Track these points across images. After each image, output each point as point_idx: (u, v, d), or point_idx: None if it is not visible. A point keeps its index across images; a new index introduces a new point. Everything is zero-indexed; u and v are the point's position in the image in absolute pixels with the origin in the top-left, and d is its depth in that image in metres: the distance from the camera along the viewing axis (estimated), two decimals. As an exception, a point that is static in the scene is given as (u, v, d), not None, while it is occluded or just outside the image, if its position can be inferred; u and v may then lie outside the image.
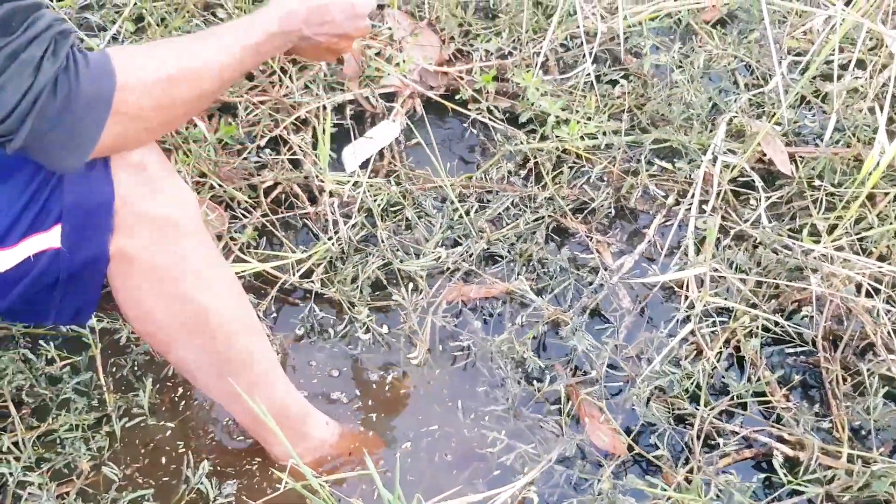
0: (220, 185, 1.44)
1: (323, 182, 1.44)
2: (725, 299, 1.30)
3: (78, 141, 0.84)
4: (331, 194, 1.45)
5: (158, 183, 0.95)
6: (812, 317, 1.29)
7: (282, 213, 1.46)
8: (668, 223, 1.46)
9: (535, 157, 1.52)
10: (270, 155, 1.49)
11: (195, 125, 1.47)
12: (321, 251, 1.39)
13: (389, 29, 1.66)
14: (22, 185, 0.88)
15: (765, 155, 1.50)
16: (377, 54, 1.62)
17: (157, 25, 1.60)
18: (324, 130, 1.42)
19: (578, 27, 1.60)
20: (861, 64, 1.55)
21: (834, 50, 1.44)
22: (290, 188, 1.48)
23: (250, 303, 1.10)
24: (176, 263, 0.99)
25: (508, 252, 1.42)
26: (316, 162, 1.47)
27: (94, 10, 1.65)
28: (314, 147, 1.49)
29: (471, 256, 1.42)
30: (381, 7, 1.71)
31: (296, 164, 1.50)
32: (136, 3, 1.62)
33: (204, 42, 0.96)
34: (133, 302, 1.01)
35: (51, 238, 0.90)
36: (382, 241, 1.41)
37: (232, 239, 1.42)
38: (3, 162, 0.90)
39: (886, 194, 1.40)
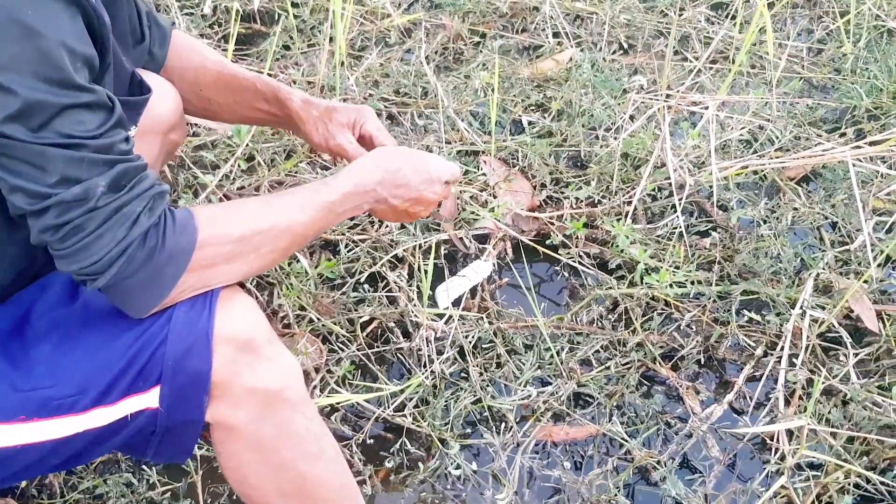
0: (318, 319, 1.60)
1: (418, 317, 1.60)
2: (816, 452, 1.39)
3: (154, 288, 0.98)
4: (425, 329, 1.60)
5: (261, 352, 1.04)
6: (906, 476, 1.37)
7: (377, 347, 1.61)
8: (756, 374, 1.57)
9: (625, 303, 1.66)
10: (368, 291, 1.65)
11: (298, 261, 1.66)
12: (414, 384, 1.53)
13: (484, 175, 1.85)
14: (127, 344, 0.99)
15: (852, 311, 1.61)
16: (472, 198, 1.81)
17: (267, 166, 1.82)
18: (424, 268, 1.59)
19: (668, 179, 1.77)
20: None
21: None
22: (385, 323, 1.64)
23: (347, 464, 1.19)
24: (278, 434, 1.07)
25: (598, 394, 1.54)
26: (411, 298, 1.63)
27: (208, 149, 1.88)
28: (410, 284, 1.65)
29: (560, 397, 1.53)
30: (476, 154, 1.92)
31: (392, 300, 1.66)
32: (248, 144, 1.85)
33: (279, 201, 1.09)
34: (233, 466, 1.11)
35: (150, 399, 1.01)
36: (473, 379, 1.54)
37: (329, 372, 1.56)
38: (113, 315, 1.02)
39: (978, 356, 1.50)
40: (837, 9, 2.31)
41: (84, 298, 1.04)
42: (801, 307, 1.59)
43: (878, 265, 1.67)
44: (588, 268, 1.73)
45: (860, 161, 1.75)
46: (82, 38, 0.89)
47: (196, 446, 1.41)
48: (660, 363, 1.59)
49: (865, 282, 1.62)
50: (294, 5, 2.23)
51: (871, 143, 1.68)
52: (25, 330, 1.02)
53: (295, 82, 2.02)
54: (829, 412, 1.44)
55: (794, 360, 1.54)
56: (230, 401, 1.03)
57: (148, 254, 0.95)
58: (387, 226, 1.73)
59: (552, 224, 1.79)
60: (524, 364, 1.57)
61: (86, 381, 0.98)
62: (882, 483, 1.37)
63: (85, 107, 0.89)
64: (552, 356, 1.57)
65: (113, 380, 0.98)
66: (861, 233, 1.69)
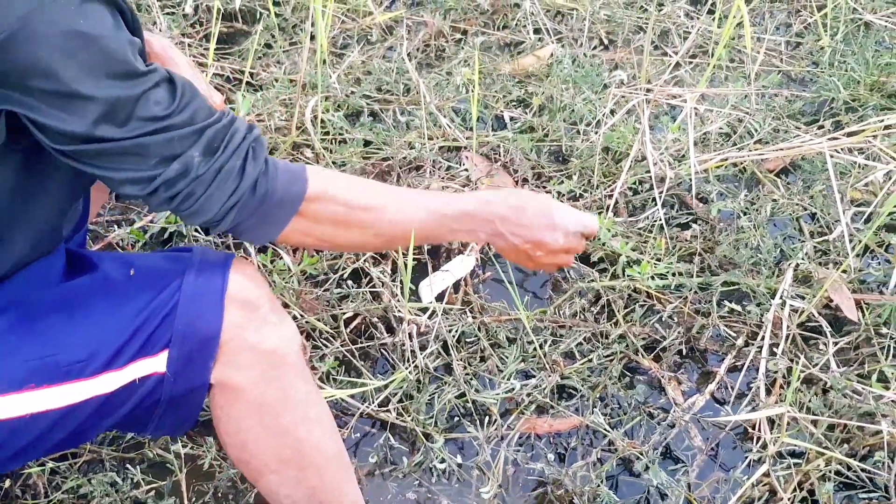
0: (302, 316, 1.61)
1: (401, 313, 1.60)
2: (797, 440, 1.40)
3: (268, 228, 1.06)
4: (409, 324, 1.60)
5: (267, 317, 1.09)
6: (885, 462, 1.38)
7: (361, 343, 1.61)
8: (738, 364, 1.58)
9: (607, 295, 1.67)
10: (352, 287, 1.66)
11: (280, 258, 1.66)
12: (398, 379, 1.53)
13: (466, 170, 1.86)
14: (136, 310, 1.03)
15: (831, 301, 1.63)
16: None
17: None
18: (405, 264, 1.59)
19: (648, 172, 1.78)
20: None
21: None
22: (369, 319, 1.64)
23: (340, 435, 1.22)
24: (280, 397, 1.11)
25: (581, 386, 1.55)
26: (395, 293, 1.64)
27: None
28: (393, 280, 1.66)
29: (544, 389, 1.54)
30: (458, 149, 1.92)
31: (375, 296, 1.67)
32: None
33: (402, 193, 1.15)
34: (233, 430, 1.14)
35: (157, 363, 1.04)
36: (457, 373, 1.55)
37: (313, 368, 1.56)
38: (120, 286, 1.06)
39: (955, 343, 1.52)
40: (815, 2, 2.32)
41: (91, 274, 1.08)
42: (782, 297, 1.61)
43: (857, 255, 1.69)
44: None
45: (837, 152, 1.77)
46: (126, 30, 0.94)
47: (180, 442, 1.43)
48: (642, 354, 1.60)
49: (844, 271, 1.63)
50: (276, 3, 2.23)
51: (848, 135, 1.70)
52: (33, 304, 1.04)
53: (277, 80, 2.03)
54: (810, 401, 1.45)
55: (775, 349, 1.55)
56: (236, 362, 1.06)
57: (259, 200, 1.02)
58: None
59: (534, 218, 1.79)
60: (508, 357, 1.58)
61: (96, 346, 1.01)
62: (863, 470, 1.39)
63: (155, 86, 0.94)
64: (535, 349, 1.58)
65: (123, 344, 1.02)
66: (839, 223, 1.71)
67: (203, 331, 1.04)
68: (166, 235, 1.73)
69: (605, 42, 2.27)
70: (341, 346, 1.59)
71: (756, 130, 1.94)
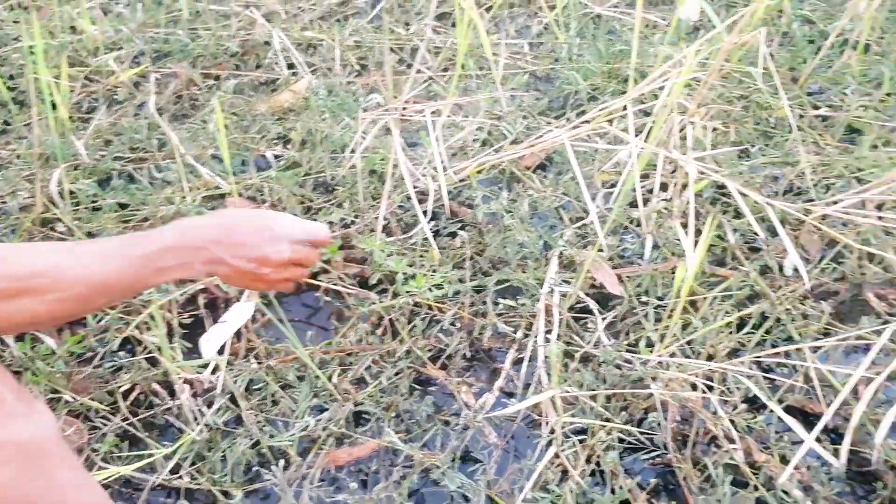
0: (74, 399, 1.54)
1: (182, 374, 1.56)
2: (578, 418, 1.48)
3: None
4: (191, 384, 1.57)
5: (14, 409, 1.00)
6: (659, 422, 1.48)
7: (143, 413, 1.56)
8: (521, 357, 1.65)
9: (390, 314, 1.70)
10: (124, 357, 1.60)
11: (42, 342, 1.58)
12: (186, 443, 1.49)
13: (231, 216, 1.84)
14: None
15: (596, 280, 1.73)
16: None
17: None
18: (168, 327, 1.57)
19: (415, 187, 1.83)
20: (664, 186, 1.83)
21: (636, 179, 1.71)
22: (148, 387, 1.59)
23: None
24: (44, 491, 1.02)
25: (375, 409, 1.57)
26: (173, 356, 1.60)
27: None
28: (171, 342, 1.62)
29: (339, 420, 1.55)
30: (222, 196, 1.91)
31: (152, 362, 1.62)
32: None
33: (79, 247, 1.03)
34: None
35: None
36: (248, 422, 1.53)
37: (94, 450, 1.50)
38: None
39: (705, 298, 1.65)
40: (548, 2, 2.47)
41: None
42: (550, 286, 1.69)
43: (612, 232, 1.80)
44: (350, 288, 1.76)
45: (586, 140, 1.89)
46: None
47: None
48: (430, 366, 1.64)
49: (600, 250, 1.74)
50: (11, 77, 2.14)
51: (584, 122, 1.82)
52: None
53: (20, 156, 1.94)
54: (584, 377, 1.53)
55: (549, 336, 1.63)
56: None
57: None
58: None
59: (308, 252, 1.80)
60: (299, 396, 1.58)
61: None
62: (641, 433, 1.48)
63: None
64: (323, 382, 1.59)
65: None
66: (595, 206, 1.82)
67: None
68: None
69: (358, 68, 2.32)
70: (122, 420, 1.54)
71: (510, 132, 2.03)
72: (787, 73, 2.23)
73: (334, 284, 1.76)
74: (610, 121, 1.88)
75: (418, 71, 2.29)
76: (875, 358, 1.50)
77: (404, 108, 1.90)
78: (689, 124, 1.79)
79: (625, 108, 1.89)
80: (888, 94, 2.15)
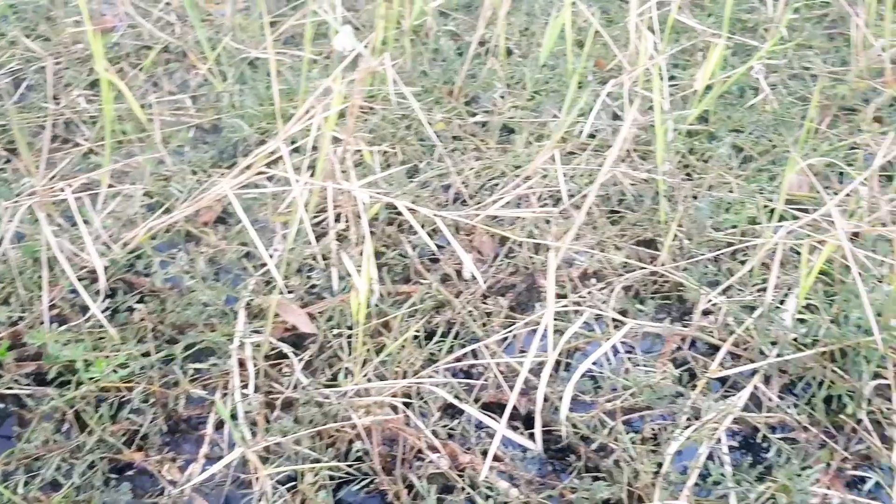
0: None
1: None
2: (279, 467, 1.48)
3: None
4: None
5: None
6: (366, 450, 1.51)
7: None
8: (222, 419, 1.62)
9: (74, 406, 1.61)
10: None
11: None
12: None
13: None
14: None
15: (288, 322, 1.74)
16: None
17: None
18: None
19: (84, 268, 1.75)
20: (339, 217, 1.88)
21: (303, 216, 1.74)
22: None
23: None
24: None
25: (71, 513, 1.48)
26: None
27: None
28: None
29: (31, 535, 1.44)
30: None
31: None
32: None
33: None
34: None
35: None
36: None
37: None
38: None
39: (395, 318, 1.71)
40: (199, 56, 2.46)
41: None
42: (240, 339, 1.68)
43: (296, 272, 1.82)
44: (26, 388, 1.65)
45: (255, 185, 1.90)
46: None
47: None
48: (126, 450, 1.57)
49: (290, 292, 1.76)
50: None
51: (242, 171, 1.82)
52: None
53: None
54: (285, 424, 1.53)
55: (246, 390, 1.62)
56: None
57: None
58: None
59: (-29, 361, 1.67)
60: (-19, 520, 1.45)
61: None
62: (350, 465, 1.51)
63: None
64: (9, 497, 1.47)
65: None
66: (274, 251, 1.84)
67: None
68: None
69: (6, 154, 2.18)
70: None
71: (180, 191, 2.00)
72: (446, 87, 2.37)
73: (8, 389, 1.64)
74: (275, 161, 1.90)
75: (75, 144, 2.19)
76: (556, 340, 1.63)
77: (53, 188, 1.81)
78: (347, 152, 1.85)
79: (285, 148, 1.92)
80: (535, 93, 2.35)
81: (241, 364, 1.66)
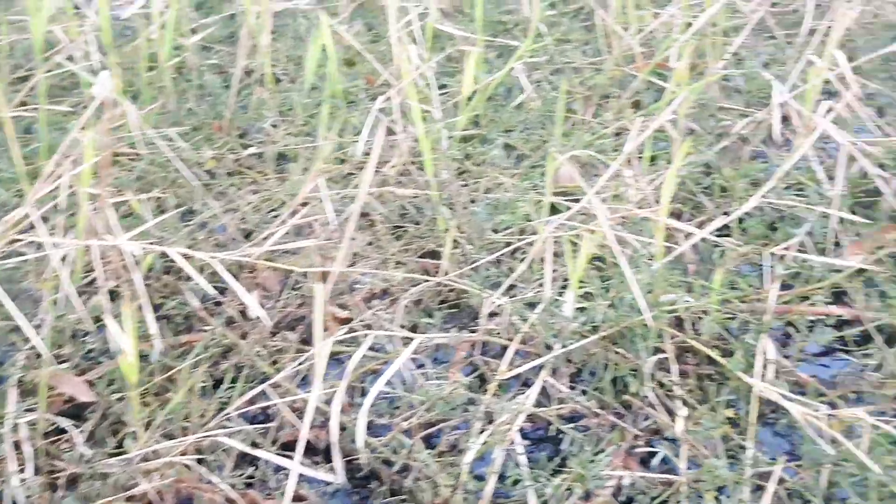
0: None
1: None
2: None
3: None
4: None
5: None
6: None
7: None
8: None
9: None
10: None
11: None
12: None
13: None
14: None
15: (66, 393, 1.66)
16: None
17: None
18: None
19: None
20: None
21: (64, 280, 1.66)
22: None
23: None
24: None
25: None
26: None
27: None
28: None
29: None
30: None
31: None
32: None
33: None
34: None
35: None
36: None
37: None
38: None
39: (179, 371, 1.66)
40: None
41: None
42: (13, 421, 1.58)
43: (70, 339, 1.73)
44: None
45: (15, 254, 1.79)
46: None
47: None
48: None
49: (62, 362, 1.67)
50: None
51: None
52: None
53: None
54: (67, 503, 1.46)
55: (24, 475, 1.52)
56: None
57: None
58: None
59: None
60: None
61: None
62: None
63: None
64: None
65: None
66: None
67: None
68: None
69: None
70: None
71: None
72: (216, 123, 2.32)
73: None
74: (33, 226, 1.80)
75: None
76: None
77: None
78: (105, 205, 1.77)
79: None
80: (308, 118, 2.34)
81: (18, 446, 1.56)
